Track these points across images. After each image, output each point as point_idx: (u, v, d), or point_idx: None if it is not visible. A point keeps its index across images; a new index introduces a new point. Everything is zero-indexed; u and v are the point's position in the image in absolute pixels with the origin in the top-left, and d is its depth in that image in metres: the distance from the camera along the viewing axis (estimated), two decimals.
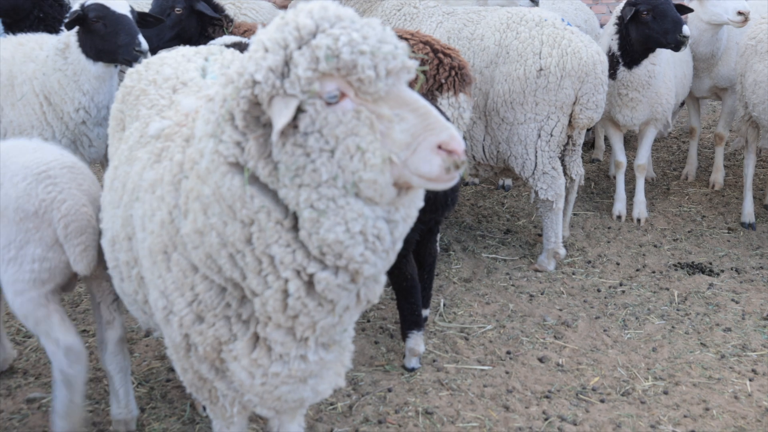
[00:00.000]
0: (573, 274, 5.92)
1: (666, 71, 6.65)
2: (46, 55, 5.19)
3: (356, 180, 2.20)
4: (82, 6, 5.04)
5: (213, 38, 6.13)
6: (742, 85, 6.69)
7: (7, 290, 3.58)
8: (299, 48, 2.18)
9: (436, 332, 5.01)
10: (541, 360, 4.70)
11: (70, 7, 6.08)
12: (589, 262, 6.14)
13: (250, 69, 2.24)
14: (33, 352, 4.76)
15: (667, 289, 5.69)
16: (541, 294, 5.57)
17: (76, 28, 5.05)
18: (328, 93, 2.17)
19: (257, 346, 2.65)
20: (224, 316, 2.65)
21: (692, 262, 6.12)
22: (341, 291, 2.39)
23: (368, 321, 5.12)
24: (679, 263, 6.11)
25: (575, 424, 4.09)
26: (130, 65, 4.99)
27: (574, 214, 7.07)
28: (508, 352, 4.78)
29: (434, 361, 4.67)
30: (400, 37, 6.66)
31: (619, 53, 6.47)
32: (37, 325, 3.59)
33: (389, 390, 4.35)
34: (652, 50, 6.38)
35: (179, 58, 3.69)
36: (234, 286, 2.59)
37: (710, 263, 6.12)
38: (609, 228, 6.84)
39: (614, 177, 7.44)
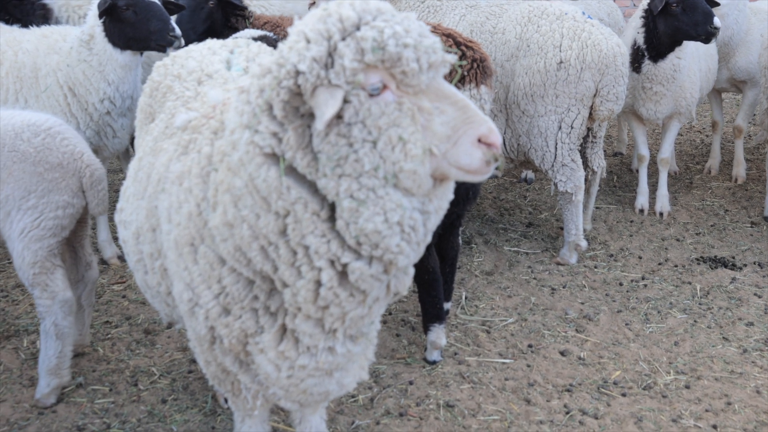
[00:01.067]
0: (595, 267, 5.88)
1: (690, 64, 6.59)
2: (70, 46, 5.22)
3: (396, 170, 2.22)
4: None
5: (237, 30, 6.15)
6: (767, 77, 6.61)
7: (20, 239, 3.86)
8: (343, 39, 2.19)
9: (458, 325, 5.00)
10: (562, 353, 4.68)
11: (39, 6, 6.12)
12: (612, 255, 6.10)
13: (293, 59, 2.23)
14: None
15: (690, 283, 5.64)
16: (563, 287, 5.54)
17: (101, 19, 5.08)
18: (371, 84, 2.18)
19: (284, 339, 2.65)
20: (251, 308, 2.65)
21: (715, 256, 6.07)
22: (374, 281, 2.40)
23: (390, 314, 5.12)
24: (701, 257, 6.06)
25: (596, 418, 4.07)
26: (164, 50, 5.02)
27: (597, 208, 7.03)
28: (530, 346, 4.76)
29: (456, 354, 4.66)
30: None
31: (644, 46, 6.40)
32: (38, 275, 3.91)
33: (410, 383, 4.35)
34: (679, 43, 6.31)
35: (205, 50, 3.71)
36: (262, 279, 2.58)
37: (733, 257, 6.07)
38: (631, 222, 6.80)
39: (637, 170, 7.39)
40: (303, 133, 2.27)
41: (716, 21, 6.04)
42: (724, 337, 4.89)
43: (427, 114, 2.20)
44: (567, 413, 4.11)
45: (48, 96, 5.21)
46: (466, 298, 5.36)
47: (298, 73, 2.22)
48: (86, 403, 4.19)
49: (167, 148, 3.13)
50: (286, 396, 2.87)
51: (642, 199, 7.03)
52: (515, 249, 6.20)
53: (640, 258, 6.06)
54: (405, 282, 2.50)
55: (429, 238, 2.41)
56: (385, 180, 2.24)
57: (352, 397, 4.20)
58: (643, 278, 5.71)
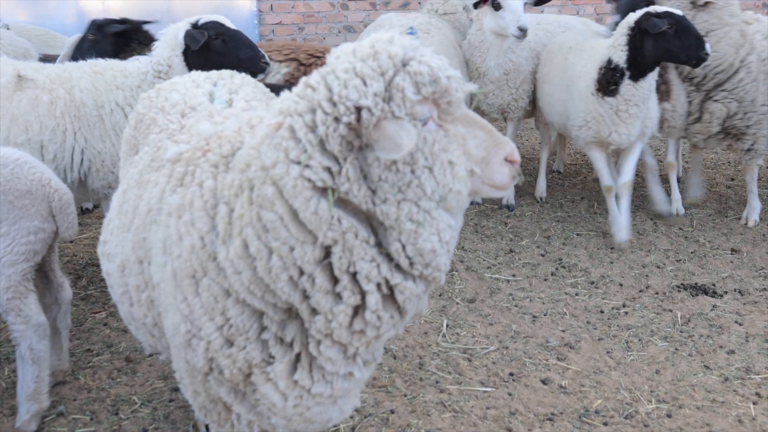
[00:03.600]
0: (576, 294, 5.92)
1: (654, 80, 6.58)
2: (140, 80, 5.18)
3: (446, 192, 2.43)
4: (195, 25, 5.07)
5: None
6: None
7: None
8: (396, 74, 2.35)
9: (440, 353, 5.01)
10: (543, 382, 4.70)
11: None
12: (592, 282, 6.14)
13: (353, 96, 2.32)
14: None
15: (670, 310, 5.68)
16: (544, 315, 5.57)
17: (182, 50, 5.08)
18: (422, 114, 2.38)
19: (299, 367, 2.68)
20: (257, 339, 2.67)
21: (695, 284, 6.12)
22: (417, 300, 2.57)
23: None
24: (682, 284, 6.11)
25: None
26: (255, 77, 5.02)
27: (577, 235, 7.08)
28: (511, 374, 4.77)
29: (437, 382, 4.66)
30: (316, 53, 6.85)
31: (626, 66, 6.27)
32: (11, 300, 3.99)
33: (392, 411, 4.34)
34: (659, 64, 6.34)
35: (188, 83, 3.76)
36: (274, 309, 2.61)
37: (713, 284, 6.12)
38: (611, 249, 6.84)
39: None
40: (358, 166, 2.39)
41: (708, 47, 6.09)
42: (705, 366, 4.92)
43: (462, 138, 2.46)
44: None
45: (116, 134, 5.14)
46: (447, 325, 5.38)
47: (359, 109, 2.32)
48: None
49: (156, 180, 3.13)
50: (287, 425, 2.88)
51: (617, 230, 6.85)
52: (496, 276, 6.23)
53: (620, 285, 6.10)
54: (426, 301, 2.68)
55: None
56: (437, 202, 2.43)
57: (334, 427, 4.19)
58: (624, 305, 5.75)
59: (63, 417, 4.29)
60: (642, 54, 6.22)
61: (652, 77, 6.41)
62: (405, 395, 4.52)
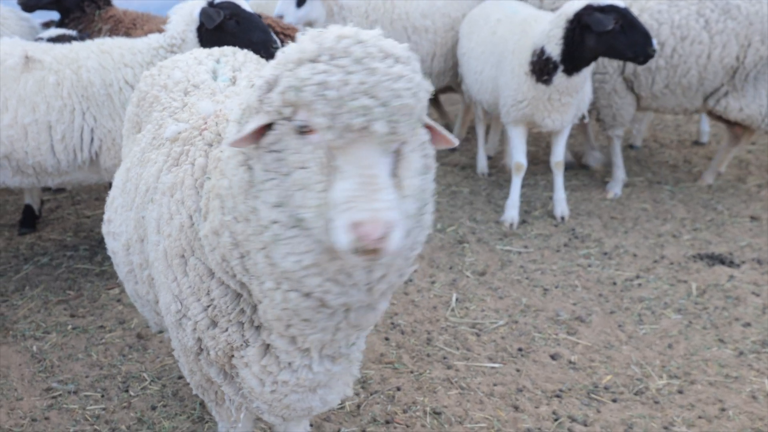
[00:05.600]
0: (588, 266, 5.85)
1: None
2: (151, 56, 5.16)
3: (298, 215, 2.14)
4: (212, 3, 5.05)
5: (85, 11, 6.23)
6: None
7: None
8: (291, 70, 2.12)
9: (448, 328, 4.99)
10: (552, 357, 4.67)
11: None
12: (606, 253, 6.06)
13: (267, 75, 2.23)
14: (53, 348, 4.81)
15: (685, 281, 5.60)
16: (555, 287, 5.52)
17: (196, 26, 5.06)
18: (297, 121, 2.11)
19: (267, 353, 2.68)
20: (238, 321, 2.67)
21: (712, 253, 6.02)
22: (313, 312, 2.39)
23: None
24: (698, 254, 6.02)
25: (585, 425, 4.06)
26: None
27: (591, 204, 6.99)
28: (520, 349, 4.75)
29: (444, 358, 4.65)
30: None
31: (559, 59, 5.86)
32: None
33: (398, 389, 4.35)
34: (596, 59, 5.99)
35: (191, 60, 3.72)
36: (249, 293, 2.60)
37: (731, 254, 6.02)
38: (626, 218, 6.75)
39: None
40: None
41: (655, 43, 5.76)
42: (719, 339, 4.86)
43: (334, 173, 2.07)
44: (556, 420, 4.10)
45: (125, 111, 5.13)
46: (456, 299, 5.35)
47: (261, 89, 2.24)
48: (78, 409, 4.21)
49: (156, 159, 3.14)
50: (269, 410, 2.90)
51: (513, 213, 6.61)
52: (508, 248, 6.18)
53: (635, 256, 6.02)
54: (369, 318, 2.49)
55: (392, 285, 2.40)
56: (290, 219, 2.17)
57: (339, 403, 4.20)
58: (637, 277, 5.68)
59: (75, 394, 4.34)
60: (581, 49, 5.81)
61: (587, 71, 6.06)
62: (412, 372, 4.51)
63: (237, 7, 5.17)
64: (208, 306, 2.67)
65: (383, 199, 2.00)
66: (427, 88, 2.18)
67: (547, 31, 5.91)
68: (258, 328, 2.67)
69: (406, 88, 2.06)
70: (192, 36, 5.13)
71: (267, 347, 2.69)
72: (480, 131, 7.93)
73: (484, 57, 6.74)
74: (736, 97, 6.76)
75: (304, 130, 2.11)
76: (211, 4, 5.17)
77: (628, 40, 5.71)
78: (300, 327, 2.47)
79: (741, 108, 6.77)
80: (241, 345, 2.69)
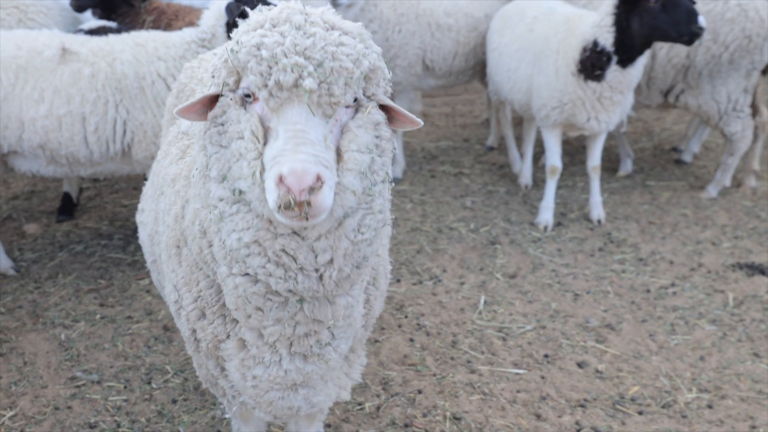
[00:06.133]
0: (623, 272, 5.72)
1: None
2: (184, 50, 5.19)
3: (237, 187, 2.17)
4: None
5: (133, 6, 6.28)
6: None
7: None
8: (235, 40, 2.21)
9: (474, 331, 4.92)
10: (579, 365, 4.57)
11: None
12: (641, 259, 5.92)
13: (220, 50, 2.33)
14: (81, 336, 4.87)
15: (722, 291, 5.44)
16: (587, 293, 5.41)
17: (225, 21, 5.09)
18: (241, 89, 2.19)
19: (244, 348, 2.65)
20: (221, 314, 2.65)
21: (752, 263, 5.84)
22: (261, 299, 2.36)
23: (406, 317, 5.07)
24: (737, 263, 5.84)
25: None
26: None
27: (629, 208, 6.84)
28: (546, 356, 4.66)
29: (469, 362, 4.59)
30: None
31: (612, 49, 5.67)
32: None
33: (419, 391, 4.30)
34: (650, 45, 5.72)
35: None
36: None
37: None
38: (665, 223, 6.58)
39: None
40: None
41: (701, 20, 5.46)
42: (754, 353, 4.70)
43: (269, 135, 2.12)
44: (578, 431, 4.00)
45: (158, 105, 5.19)
46: (485, 302, 5.27)
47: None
48: (100, 400, 4.25)
49: (172, 152, 3.17)
50: (257, 406, 2.87)
51: (548, 215, 6.50)
52: (540, 251, 6.07)
53: (671, 263, 5.87)
54: (326, 312, 2.42)
55: (342, 271, 2.30)
56: (232, 194, 2.19)
57: (359, 404, 4.17)
58: (672, 285, 5.53)
59: (98, 384, 4.38)
60: (630, 35, 5.60)
61: (642, 62, 5.84)
62: (434, 375, 4.46)
63: (261, 2, 5.15)
64: (198, 297, 2.67)
65: (308, 152, 2.02)
66: (375, 63, 2.21)
67: (598, 21, 5.76)
68: (235, 321, 2.65)
69: (345, 53, 2.13)
70: (221, 31, 5.13)
71: (244, 341, 2.66)
72: (509, 133, 7.84)
73: (519, 54, 6.58)
74: (692, 94, 6.69)
75: (248, 101, 2.18)
76: (237, 0, 5.16)
77: (671, 20, 5.48)
78: (257, 317, 2.44)
79: (699, 105, 6.72)
80: (225, 338, 2.67)
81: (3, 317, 5.08)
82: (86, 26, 6.11)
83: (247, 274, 2.31)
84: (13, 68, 5.03)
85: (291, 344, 2.55)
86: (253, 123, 2.14)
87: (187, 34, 5.29)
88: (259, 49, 2.10)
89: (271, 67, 2.08)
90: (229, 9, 5.10)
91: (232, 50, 2.16)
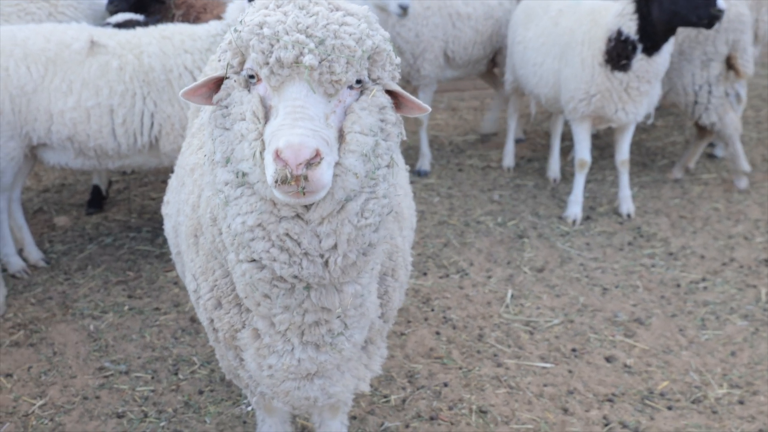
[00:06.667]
0: (652, 266, 5.64)
1: None
2: (210, 43, 5.21)
3: (240, 168, 2.18)
4: None
5: (164, 3, 6.39)
6: None
7: None
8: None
9: (500, 325, 4.88)
10: (607, 359, 4.51)
11: None
12: (671, 254, 5.83)
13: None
14: (109, 327, 4.91)
15: (755, 286, 5.35)
16: (616, 287, 5.34)
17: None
18: (244, 71, 2.20)
19: (259, 337, 2.65)
20: (237, 303, 2.65)
21: None
22: (268, 286, 2.35)
23: (432, 310, 5.05)
24: None
25: None
26: None
27: (659, 201, 6.74)
28: (574, 350, 4.61)
29: (495, 355, 4.55)
30: None
31: (636, 37, 5.62)
32: None
33: (445, 384, 4.27)
34: (674, 32, 5.64)
35: None
36: None
37: None
38: (696, 217, 6.48)
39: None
40: None
41: (720, 2, 5.35)
42: None
43: (271, 113, 2.13)
44: (606, 425, 3.96)
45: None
46: (512, 296, 5.23)
47: None
48: (128, 390, 4.28)
49: (194, 143, 3.18)
50: (274, 396, 2.86)
51: (576, 209, 6.42)
52: (569, 245, 6.01)
53: (702, 257, 5.77)
54: (334, 300, 2.40)
55: (347, 257, 2.27)
56: (236, 176, 2.20)
57: (384, 397, 4.16)
58: (703, 279, 5.45)
59: (126, 374, 4.41)
60: (652, 22, 5.55)
61: (668, 50, 5.76)
62: (460, 368, 4.43)
63: None
64: (214, 286, 2.67)
65: (306, 126, 2.02)
66: (380, 45, 2.21)
67: (620, 10, 5.74)
68: (249, 310, 2.64)
69: (347, 32, 2.13)
70: None
71: (258, 331, 2.66)
72: (512, 124, 7.80)
73: (545, 48, 6.51)
74: (664, 88, 6.66)
75: (251, 82, 2.19)
76: None
77: (689, 3, 5.40)
78: (266, 305, 2.43)
79: (671, 99, 6.80)
80: (240, 327, 2.67)
81: (33, 308, 5.14)
82: (114, 19, 6.16)
83: (254, 260, 2.30)
84: (43, 61, 5.08)
85: (302, 333, 2.54)
86: (254, 103, 2.15)
87: (212, 26, 5.30)
88: (261, 27, 2.12)
89: (272, 45, 2.10)
90: (251, 1, 5.11)
91: (235, 30, 2.18)
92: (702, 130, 7.06)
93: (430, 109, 2.37)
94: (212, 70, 3.74)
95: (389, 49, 2.26)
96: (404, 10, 6.31)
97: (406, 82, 7.41)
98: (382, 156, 2.23)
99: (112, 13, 6.40)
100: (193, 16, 6.57)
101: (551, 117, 7.62)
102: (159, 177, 7.63)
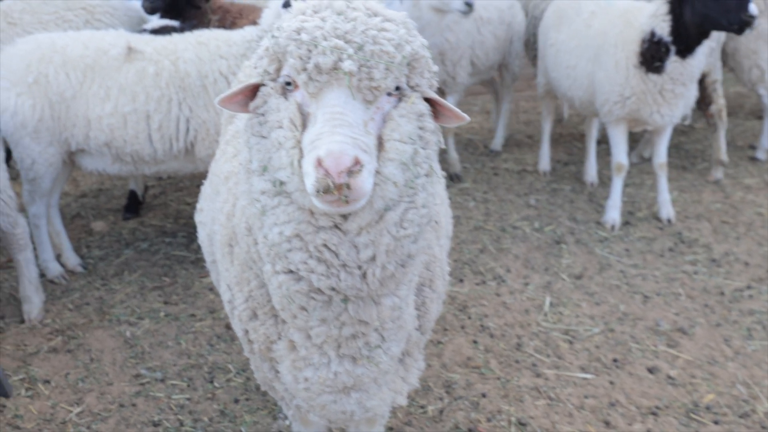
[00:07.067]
0: (694, 273, 5.51)
1: None
2: (245, 48, 5.21)
3: (278, 177, 2.13)
4: None
5: (199, 8, 6.43)
6: None
7: None
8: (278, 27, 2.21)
9: (539, 333, 4.79)
10: (650, 371, 4.41)
11: None
12: (714, 260, 5.69)
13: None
14: (145, 334, 4.91)
15: None
16: (657, 295, 5.22)
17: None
18: (281, 77, 2.16)
19: (294, 349, 2.59)
20: (272, 314, 2.60)
21: None
22: (305, 298, 2.29)
23: (469, 318, 4.97)
24: None
25: None
26: None
27: (701, 206, 6.59)
28: (615, 360, 4.51)
29: (534, 365, 4.47)
30: None
31: (670, 39, 5.53)
32: None
33: (483, 395, 4.20)
34: (707, 35, 5.52)
35: None
36: None
37: None
38: (739, 222, 6.33)
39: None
40: None
41: (752, 8, 5.23)
42: None
43: (309, 121, 2.09)
44: None
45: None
46: (550, 303, 5.14)
47: None
48: (164, 398, 4.27)
49: (228, 151, 3.16)
50: (310, 410, 2.81)
51: (614, 214, 6.33)
52: (608, 251, 5.89)
53: (746, 264, 5.63)
54: (371, 313, 2.33)
55: (385, 269, 2.21)
56: (273, 185, 2.15)
57: (422, 407, 4.10)
58: (748, 287, 5.31)
59: (162, 382, 4.41)
60: (684, 24, 5.46)
61: (702, 53, 5.65)
62: (498, 378, 4.35)
63: None
64: (249, 297, 2.62)
65: (346, 133, 1.97)
66: (419, 51, 2.16)
67: (654, 11, 5.66)
68: (284, 322, 2.58)
69: (386, 37, 2.09)
70: None
71: (294, 343, 2.60)
72: (546, 127, 7.69)
73: (578, 51, 6.42)
74: None
75: (288, 89, 2.15)
76: None
77: (720, 7, 5.30)
78: (302, 317, 2.37)
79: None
80: (276, 339, 2.62)
81: (71, 314, 5.16)
82: (150, 26, 6.19)
83: (290, 271, 2.25)
84: (81, 67, 5.11)
85: (339, 346, 2.48)
86: (291, 110, 2.11)
87: (248, 32, 5.29)
88: (299, 33, 2.09)
89: (310, 51, 2.06)
90: (286, 6, 5.08)
91: (273, 36, 2.15)
92: (710, 116, 7.07)
93: (468, 118, 2.31)
94: (246, 77, 3.72)
95: (428, 55, 2.21)
96: (470, 6, 6.10)
97: (440, 91, 7.34)
98: (420, 164, 2.17)
99: (148, 11, 6.43)
100: (228, 21, 6.58)
101: (584, 120, 7.51)
102: (194, 182, 7.66)
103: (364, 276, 2.21)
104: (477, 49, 7.27)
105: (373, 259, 2.19)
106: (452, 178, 7.39)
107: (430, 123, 2.21)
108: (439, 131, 2.28)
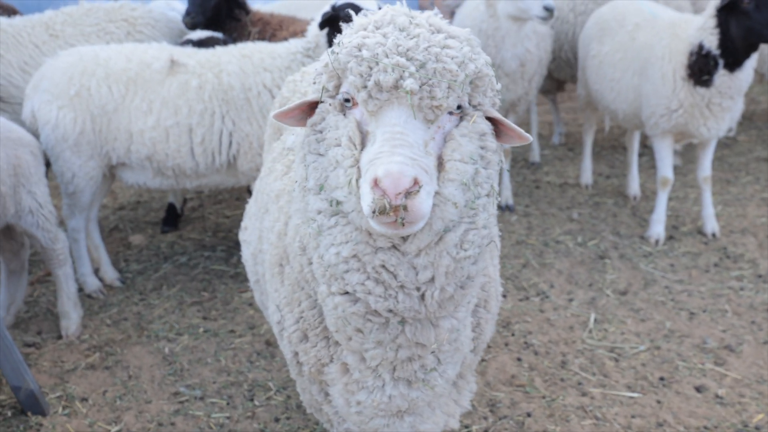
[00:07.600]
0: (741, 290, 5.38)
1: None
2: (289, 61, 5.22)
3: (335, 197, 2.09)
4: (333, 7, 5.09)
5: (239, 20, 6.50)
6: None
7: None
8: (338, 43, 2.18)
9: (584, 351, 4.70)
10: (698, 389, 4.29)
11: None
12: (760, 276, 5.56)
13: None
14: (184, 350, 4.90)
15: None
16: (703, 312, 5.10)
17: (326, 31, 5.12)
18: (340, 94, 2.13)
19: (348, 372, 2.55)
20: (324, 336, 2.57)
21: None
22: (361, 320, 2.26)
23: (512, 335, 4.90)
24: None
25: None
26: None
27: (746, 220, 6.45)
28: (662, 378, 4.40)
29: (579, 383, 4.38)
30: None
31: (718, 52, 5.46)
32: None
33: (528, 415, 4.12)
34: (755, 48, 5.42)
35: None
36: None
37: None
38: None
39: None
40: None
41: None
42: None
43: (368, 143, 2.05)
44: None
45: (263, 116, 5.19)
46: (595, 320, 5.04)
47: None
48: (203, 416, 4.24)
49: (277, 168, 3.12)
50: None
51: (659, 229, 6.19)
52: (652, 266, 5.78)
53: None
54: (429, 335, 2.29)
55: (444, 291, 2.17)
56: (330, 205, 2.11)
57: (466, 427, 4.03)
58: None
59: (201, 400, 4.38)
60: (731, 37, 5.37)
61: (750, 66, 5.53)
62: (543, 397, 4.27)
63: (357, 8, 5.09)
64: (300, 318, 2.59)
65: (405, 154, 1.93)
66: (483, 69, 2.12)
67: (702, 24, 5.59)
68: (338, 344, 2.55)
69: (449, 55, 2.05)
70: (323, 41, 5.09)
71: (347, 365, 2.57)
72: (588, 140, 7.55)
73: (623, 64, 6.33)
74: None
75: (347, 106, 2.12)
76: (333, 7, 5.11)
77: (764, 19, 5.20)
78: (358, 339, 2.34)
79: None
80: (328, 362, 2.58)
81: (109, 329, 5.17)
82: (194, 36, 6.22)
83: (347, 292, 2.22)
84: (124, 80, 5.15)
85: (394, 369, 2.44)
86: (350, 128, 2.08)
87: (292, 44, 5.29)
88: (360, 49, 2.06)
89: (371, 68, 2.03)
90: (345, 19, 5.08)
91: (333, 52, 2.12)
92: None
93: (531, 138, 2.26)
94: (290, 92, 3.70)
95: (491, 74, 2.16)
96: (550, 12, 5.85)
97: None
98: (482, 185, 2.13)
99: (189, 26, 6.48)
100: (269, 33, 6.60)
101: (626, 132, 7.40)
102: (233, 195, 7.68)
103: (422, 298, 2.18)
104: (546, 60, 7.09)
105: (432, 280, 2.15)
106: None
107: (492, 142, 2.17)
108: (500, 151, 2.23)
